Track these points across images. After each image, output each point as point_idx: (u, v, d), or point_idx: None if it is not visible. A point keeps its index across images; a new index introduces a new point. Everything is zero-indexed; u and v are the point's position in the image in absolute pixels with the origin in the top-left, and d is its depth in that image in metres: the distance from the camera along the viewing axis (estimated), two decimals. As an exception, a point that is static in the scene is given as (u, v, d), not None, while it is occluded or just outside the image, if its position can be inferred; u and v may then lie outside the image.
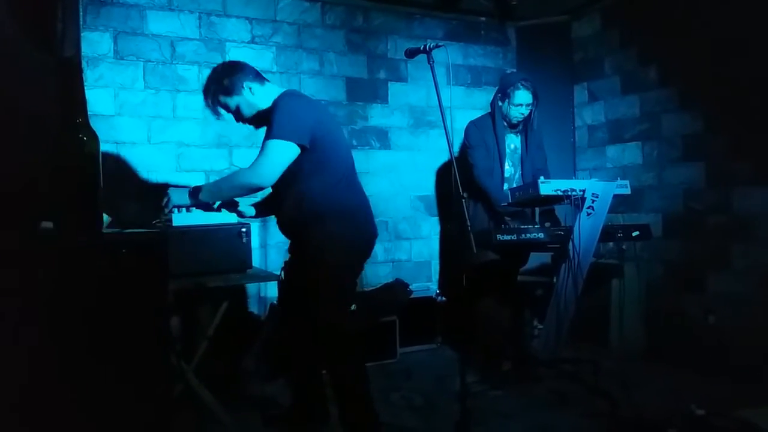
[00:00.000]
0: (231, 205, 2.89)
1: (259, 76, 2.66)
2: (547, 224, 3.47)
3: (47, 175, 1.42)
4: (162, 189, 2.81)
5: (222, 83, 2.59)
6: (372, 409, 2.63)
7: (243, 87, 2.60)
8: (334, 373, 2.63)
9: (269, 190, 2.74)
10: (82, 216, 1.42)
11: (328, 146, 2.55)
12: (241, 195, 2.68)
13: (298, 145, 2.43)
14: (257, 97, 2.63)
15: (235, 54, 4.05)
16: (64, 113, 1.41)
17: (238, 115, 2.69)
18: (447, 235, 4.75)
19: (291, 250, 2.86)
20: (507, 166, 3.81)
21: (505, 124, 3.75)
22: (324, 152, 2.53)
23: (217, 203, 2.80)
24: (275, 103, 2.53)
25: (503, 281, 3.75)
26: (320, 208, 2.51)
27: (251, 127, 2.76)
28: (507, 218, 3.68)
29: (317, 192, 2.52)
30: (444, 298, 4.39)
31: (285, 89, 2.68)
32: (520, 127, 3.79)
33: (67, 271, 1.30)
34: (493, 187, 3.68)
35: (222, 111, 2.69)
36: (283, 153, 2.43)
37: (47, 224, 1.44)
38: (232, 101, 2.62)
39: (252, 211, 2.99)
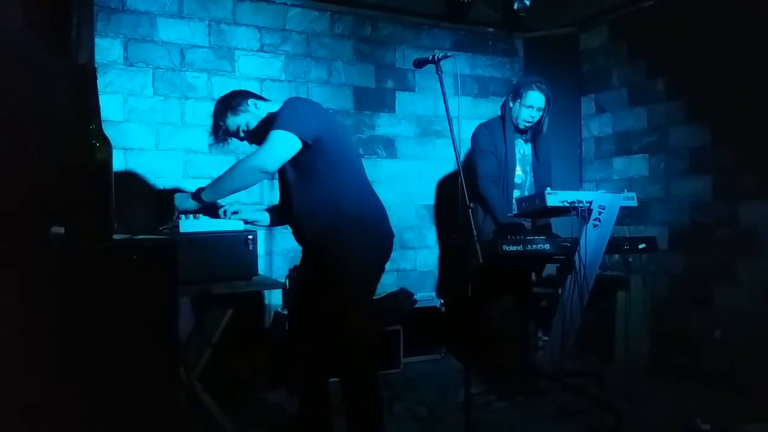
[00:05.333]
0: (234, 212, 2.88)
1: (260, 96, 2.75)
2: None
3: (59, 180, 1.43)
4: (168, 195, 2.82)
5: (229, 105, 2.66)
6: (381, 421, 2.62)
7: (248, 104, 2.67)
8: (351, 381, 2.61)
9: (270, 195, 2.73)
10: (93, 221, 1.43)
11: (337, 149, 2.55)
12: (244, 184, 2.61)
13: (300, 139, 2.43)
14: (262, 110, 2.68)
15: (244, 62, 4.07)
16: (78, 119, 1.42)
17: (249, 134, 2.71)
18: (452, 245, 4.73)
19: (305, 257, 2.83)
20: (518, 172, 3.76)
21: (514, 128, 3.70)
22: (334, 154, 2.53)
23: (221, 210, 2.79)
24: (283, 104, 2.57)
25: (510, 292, 3.74)
26: (338, 214, 2.50)
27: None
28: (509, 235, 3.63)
29: (334, 198, 2.51)
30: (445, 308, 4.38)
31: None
32: (529, 135, 3.75)
33: (77, 276, 1.31)
34: (498, 199, 3.63)
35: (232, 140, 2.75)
36: (285, 143, 2.44)
37: (58, 229, 1.44)
38: (241, 119, 2.66)
39: (266, 217, 2.98)
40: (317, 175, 2.52)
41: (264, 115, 2.67)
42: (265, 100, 2.75)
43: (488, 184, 3.65)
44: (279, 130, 2.43)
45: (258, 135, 2.68)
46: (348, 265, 2.49)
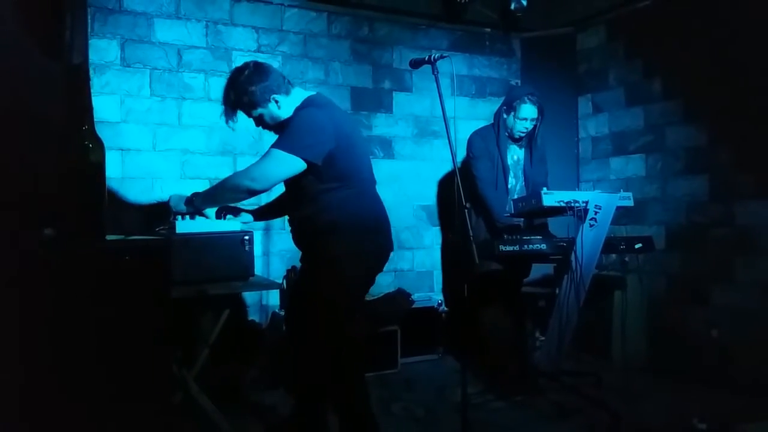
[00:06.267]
0: (226, 210, 2.85)
1: (285, 83, 2.54)
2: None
3: (52, 181, 1.43)
4: (165, 196, 2.81)
5: (247, 92, 2.47)
6: (373, 421, 2.63)
7: (269, 100, 2.50)
8: (336, 386, 2.61)
9: (271, 196, 2.70)
10: (85, 222, 1.43)
11: (347, 159, 2.49)
12: (234, 199, 2.59)
13: (308, 161, 2.37)
14: (283, 110, 2.53)
15: (241, 62, 4.04)
16: (71, 120, 1.42)
17: (259, 122, 2.61)
18: (450, 245, 4.74)
19: (302, 260, 2.80)
20: (509, 177, 3.80)
21: (507, 136, 3.75)
22: (343, 165, 2.47)
23: (213, 210, 2.77)
24: (295, 112, 2.48)
25: (506, 292, 3.74)
26: (337, 220, 2.47)
27: (256, 135, 2.75)
28: (504, 234, 3.64)
29: (335, 204, 2.47)
30: (445, 308, 4.39)
31: (310, 94, 2.59)
32: (524, 141, 3.79)
33: (70, 277, 1.31)
34: (495, 201, 3.66)
35: (239, 116, 2.58)
36: (285, 165, 2.38)
37: (50, 230, 1.44)
38: (257, 111, 2.53)
39: (249, 218, 2.97)
40: (324, 183, 2.47)
41: (281, 115, 2.53)
42: (287, 92, 2.53)
43: (486, 186, 3.68)
44: (281, 151, 2.35)
45: (266, 126, 2.61)
46: (337, 273, 2.47)
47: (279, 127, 2.56)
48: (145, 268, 1.38)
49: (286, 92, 2.54)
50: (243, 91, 2.48)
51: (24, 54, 1.41)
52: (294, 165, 2.38)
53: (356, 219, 2.51)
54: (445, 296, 4.64)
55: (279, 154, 2.37)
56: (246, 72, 2.52)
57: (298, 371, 2.84)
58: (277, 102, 2.52)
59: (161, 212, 2.76)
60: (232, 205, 2.87)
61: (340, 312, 2.53)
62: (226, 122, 2.54)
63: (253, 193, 2.46)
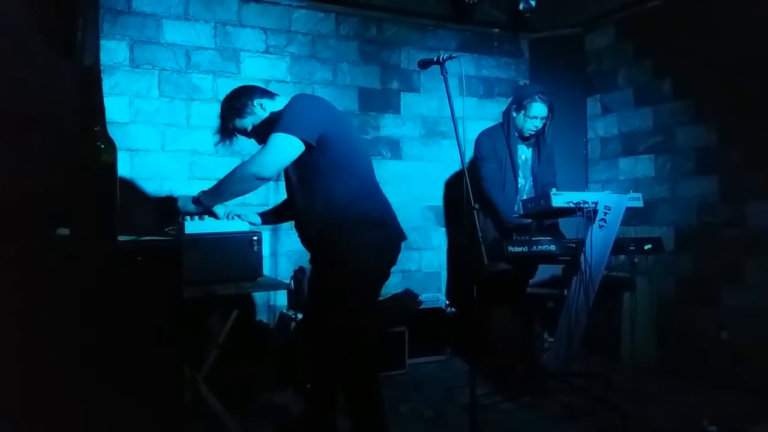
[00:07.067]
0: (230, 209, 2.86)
1: (267, 93, 2.67)
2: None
3: (64, 181, 1.43)
4: (172, 197, 2.82)
5: (234, 108, 2.60)
6: (384, 421, 2.62)
7: (254, 105, 2.60)
8: (351, 383, 2.61)
9: (275, 196, 2.70)
10: (98, 223, 1.43)
11: (343, 147, 2.51)
12: (243, 189, 2.57)
13: (304, 141, 2.39)
14: (268, 111, 2.62)
15: (249, 63, 4.08)
16: (83, 121, 1.43)
17: (257, 135, 2.66)
18: (457, 246, 4.73)
19: (312, 259, 2.78)
20: (519, 177, 3.80)
21: (517, 135, 3.75)
22: (340, 153, 2.48)
23: (221, 210, 2.78)
24: (287, 103, 2.53)
25: (514, 292, 3.73)
26: (345, 216, 2.46)
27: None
28: (513, 234, 3.62)
29: (340, 199, 2.47)
30: (453, 309, 4.38)
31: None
32: (532, 140, 3.78)
33: (82, 277, 1.32)
34: (503, 202, 3.65)
35: (241, 139, 2.70)
36: (286, 146, 2.39)
37: (63, 230, 1.45)
38: (248, 122, 2.61)
39: (257, 220, 2.98)
40: (322, 174, 2.47)
41: (268, 115, 2.62)
42: (271, 97, 2.66)
43: (492, 187, 3.68)
44: (279, 133, 2.39)
45: (263, 135, 2.64)
46: (350, 270, 2.45)
47: (269, 127, 2.55)
48: (157, 268, 1.39)
49: (269, 98, 2.65)
50: (230, 108, 2.62)
51: (37, 55, 1.42)
52: (294, 146, 2.40)
53: (360, 212, 2.49)
54: (449, 297, 4.63)
55: (279, 136, 2.39)
56: (228, 96, 2.68)
57: (311, 371, 2.84)
58: (262, 105, 2.62)
59: (170, 213, 2.76)
60: (239, 208, 2.88)
61: (356, 310, 2.53)
62: (228, 143, 2.69)
63: (261, 180, 2.46)
